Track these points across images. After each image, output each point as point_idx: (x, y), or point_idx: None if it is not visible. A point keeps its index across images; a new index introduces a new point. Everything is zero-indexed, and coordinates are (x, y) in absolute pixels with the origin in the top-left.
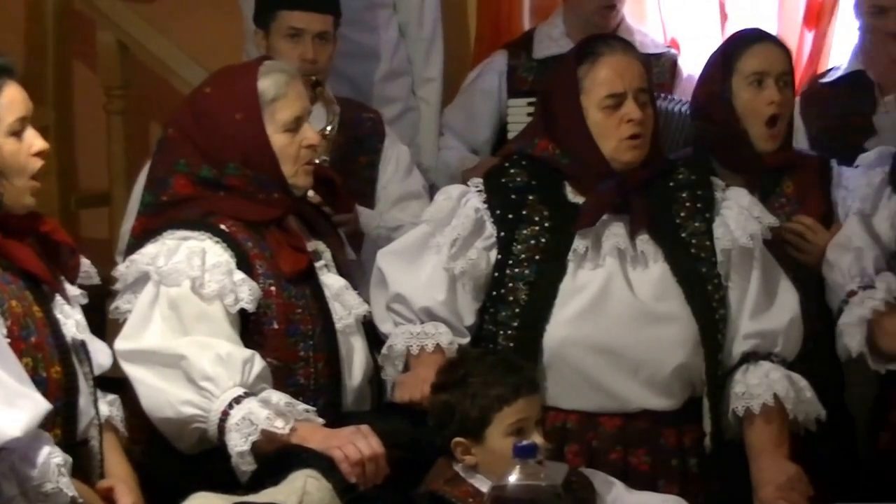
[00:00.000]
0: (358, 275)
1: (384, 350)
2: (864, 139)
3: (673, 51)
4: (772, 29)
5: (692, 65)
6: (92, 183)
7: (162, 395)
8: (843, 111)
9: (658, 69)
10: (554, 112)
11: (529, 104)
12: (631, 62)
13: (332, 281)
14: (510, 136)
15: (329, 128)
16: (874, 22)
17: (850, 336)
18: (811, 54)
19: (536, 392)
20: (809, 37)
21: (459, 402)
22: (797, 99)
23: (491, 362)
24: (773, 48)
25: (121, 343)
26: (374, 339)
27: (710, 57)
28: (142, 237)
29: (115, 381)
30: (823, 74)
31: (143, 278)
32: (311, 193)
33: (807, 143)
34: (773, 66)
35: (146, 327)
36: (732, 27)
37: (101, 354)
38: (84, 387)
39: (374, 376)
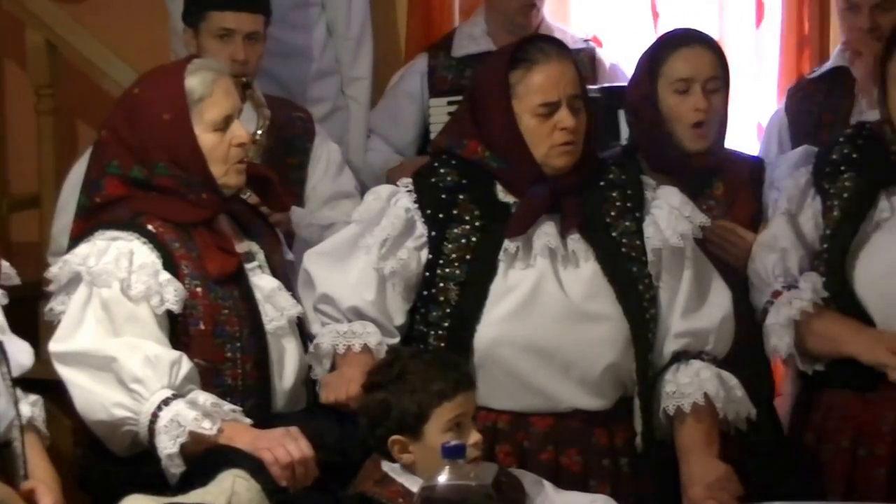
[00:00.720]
0: (294, 280)
1: (311, 348)
2: (832, 136)
3: (592, 44)
4: (714, 27)
5: (613, 55)
6: (22, 185)
7: (94, 397)
8: (819, 108)
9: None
10: (484, 115)
11: (450, 103)
12: (565, 69)
13: (264, 282)
14: (433, 136)
15: (259, 132)
16: (847, 18)
17: (779, 337)
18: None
19: (473, 388)
20: (758, 34)
21: (397, 399)
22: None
23: (428, 359)
24: (700, 52)
25: (54, 345)
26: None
27: (640, 57)
28: (77, 239)
29: (50, 383)
30: (812, 71)
31: (75, 279)
32: (248, 194)
33: (789, 140)
34: (699, 72)
35: (78, 329)
36: (664, 25)
37: (22, 355)
38: (2, 388)
39: (309, 378)
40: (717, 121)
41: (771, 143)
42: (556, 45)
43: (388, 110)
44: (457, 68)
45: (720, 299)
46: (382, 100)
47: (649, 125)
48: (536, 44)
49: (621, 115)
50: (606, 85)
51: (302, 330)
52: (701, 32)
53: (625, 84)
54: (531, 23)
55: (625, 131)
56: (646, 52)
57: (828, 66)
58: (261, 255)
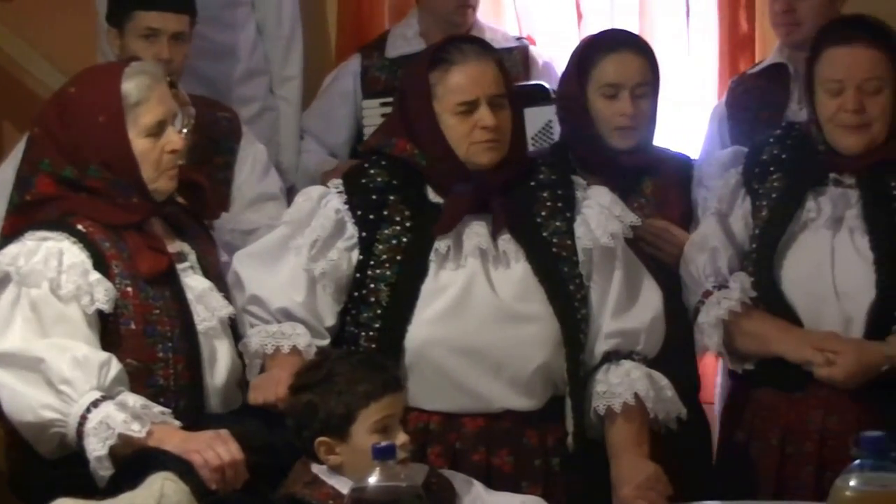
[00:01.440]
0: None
1: (238, 348)
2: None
3: (525, 42)
4: (633, 26)
5: (547, 53)
6: None
7: (23, 398)
8: (756, 105)
9: (510, 63)
10: (410, 114)
11: (383, 104)
12: (485, 68)
13: (195, 283)
14: (367, 137)
15: (184, 130)
16: (770, 7)
17: (708, 336)
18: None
19: (401, 390)
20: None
21: (324, 400)
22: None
23: (355, 360)
24: (630, 58)
25: None
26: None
27: (570, 57)
28: (7, 238)
29: None
30: (755, 66)
31: (4, 280)
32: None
33: (728, 137)
34: (627, 77)
35: (7, 329)
36: (589, 25)
37: None
38: None
39: (243, 379)
40: (646, 124)
41: (713, 137)
42: (476, 45)
43: (322, 111)
44: (390, 69)
45: (651, 299)
46: (316, 100)
47: (578, 125)
48: (456, 44)
49: (527, 112)
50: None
51: (235, 331)
52: (632, 35)
53: (534, 83)
54: (466, 22)
55: (530, 130)
56: (575, 53)
57: (767, 62)
58: (193, 256)
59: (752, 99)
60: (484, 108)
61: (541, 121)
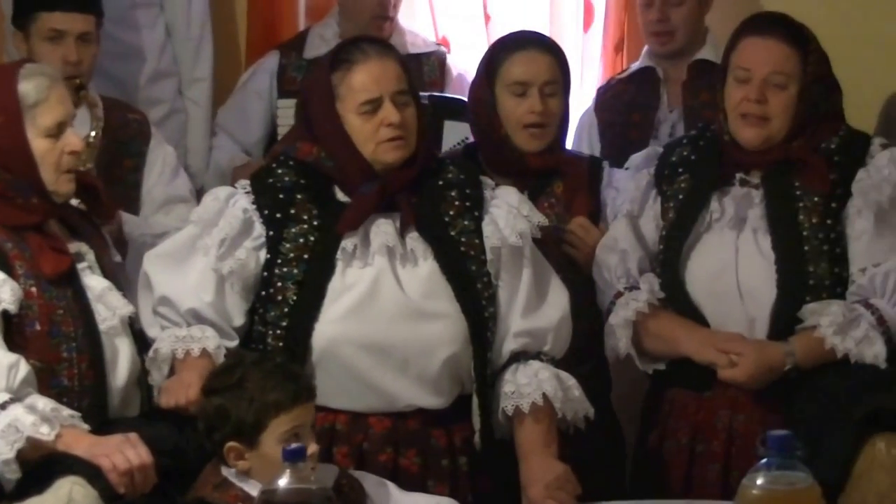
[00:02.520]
0: (123, 281)
1: (150, 353)
2: (642, 136)
3: (442, 49)
4: (543, 29)
5: (462, 63)
6: None
7: None
8: (627, 108)
9: (428, 67)
10: (313, 117)
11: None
12: (387, 66)
13: (95, 283)
14: (280, 136)
15: (93, 133)
16: (642, 16)
17: (617, 337)
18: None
19: (313, 399)
20: (585, 38)
21: (235, 406)
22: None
23: (269, 368)
24: (537, 56)
25: None
26: (144, 342)
27: (481, 59)
28: None
29: None
30: (623, 70)
31: None
32: (75, 201)
33: (599, 142)
34: (536, 75)
35: None
36: (496, 27)
37: None
38: None
39: (143, 378)
40: (555, 123)
41: (581, 143)
42: (377, 45)
43: (237, 108)
44: (307, 69)
45: (559, 299)
46: (231, 97)
47: (487, 127)
48: (357, 44)
49: (447, 125)
50: (436, 94)
51: (134, 330)
52: (541, 35)
53: (454, 96)
54: (383, 35)
55: (446, 142)
56: (485, 55)
57: (636, 66)
58: (91, 256)
59: (621, 103)
60: (388, 105)
61: (458, 136)
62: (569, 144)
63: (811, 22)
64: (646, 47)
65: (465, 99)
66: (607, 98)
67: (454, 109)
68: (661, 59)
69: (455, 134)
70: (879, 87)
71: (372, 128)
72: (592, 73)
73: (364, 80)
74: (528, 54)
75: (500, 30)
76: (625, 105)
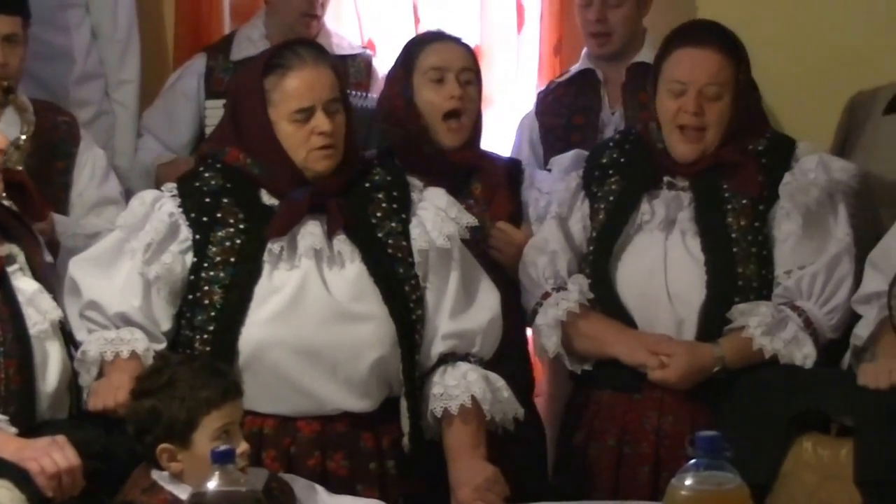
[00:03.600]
0: (55, 282)
1: (78, 356)
2: (585, 139)
3: (368, 52)
4: (475, 33)
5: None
6: None
7: None
8: (569, 110)
9: (354, 69)
10: (242, 122)
11: (225, 106)
12: (321, 73)
13: (25, 285)
14: None
15: (24, 137)
16: (580, 17)
17: (546, 337)
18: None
19: (241, 396)
20: (520, 39)
21: (167, 406)
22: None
23: (197, 367)
24: (452, 46)
25: None
26: (76, 344)
27: (396, 59)
28: None
29: None
30: (562, 73)
31: None
32: (6, 202)
33: (541, 145)
34: (452, 62)
35: None
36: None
37: None
38: None
39: (73, 382)
40: (473, 113)
41: (522, 146)
42: (312, 50)
43: (164, 110)
44: (234, 71)
45: (488, 300)
46: (158, 99)
47: (406, 124)
48: (292, 48)
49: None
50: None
51: (65, 333)
52: (450, 34)
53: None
54: (310, 33)
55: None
56: (400, 53)
57: (576, 68)
58: (21, 258)
59: (563, 106)
60: (320, 114)
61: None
62: (507, 148)
63: (752, 26)
64: (585, 49)
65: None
66: (548, 101)
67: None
68: (600, 60)
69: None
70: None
71: (303, 135)
72: (528, 76)
73: (298, 87)
74: (443, 44)
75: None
76: (566, 108)
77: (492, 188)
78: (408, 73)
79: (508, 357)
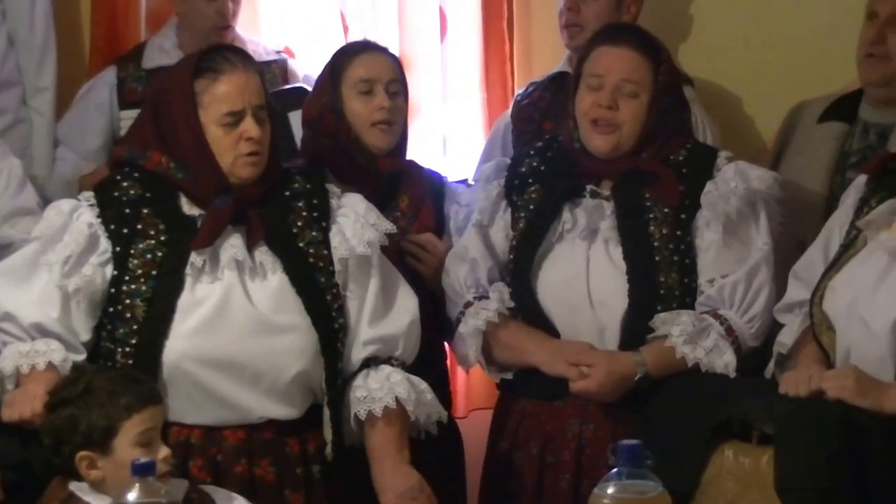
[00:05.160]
0: None
1: None
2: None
3: (284, 56)
4: (394, 40)
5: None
6: None
7: None
8: (541, 115)
9: (270, 76)
10: (169, 125)
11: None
12: (250, 78)
13: None
14: None
15: None
16: (559, 10)
17: (467, 346)
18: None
19: (161, 402)
20: (442, 49)
21: (85, 414)
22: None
23: (114, 375)
24: (380, 57)
25: None
26: None
27: (321, 71)
28: None
29: None
30: (542, 77)
31: None
32: None
33: (513, 149)
34: (380, 73)
35: None
36: (354, 37)
37: None
38: None
39: None
40: (401, 124)
41: (494, 149)
42: (239, 55)
43: (76, 121)
44: (147, 80)
45: (407, 305)
46: (70, 110)
47: (333, 135)
48: (221, 53)
49: (292, 116)
50: (274, 90)
51: None
52: (378, 43)
53: (295, 86)
54: (224, 42)
55: (297, 131)
56: (327, 64)
57: (552, 71)
58: None
59: (536, 110)
60: (249, 119)
61: None
62: (444, 158)
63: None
64: (566, 52)
65: (303, 86)
66: (523, 105)
67: (295, 99)
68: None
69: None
70: (777, 89)
71: (232, 140)
72: (451, 85)
73: (229, 91)
74: (371, 55)
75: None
76: (539, 113)
77: (418, 200)
78: (335, 85)
79: (429, 367)
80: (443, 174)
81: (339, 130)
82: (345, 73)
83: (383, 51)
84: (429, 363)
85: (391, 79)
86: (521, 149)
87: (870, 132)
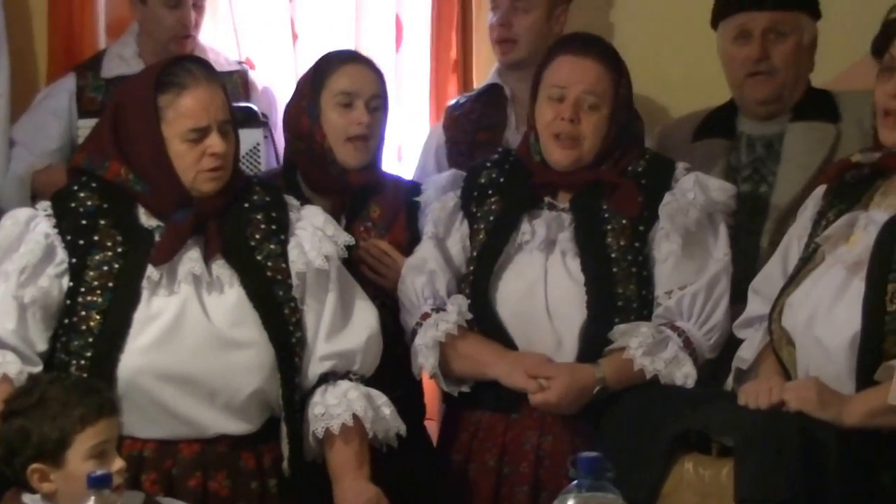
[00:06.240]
0: None
1: None
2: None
3: (245, 67)
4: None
5: (268, 82)
6: None
7: None
8: (474, 127)
9: (231, 86)
10: (129, 137)
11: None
12: (215, 93)
13: None
14: None
15: None
16: (489, 25)
17: (424, 358)
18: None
19: (116, 413)
20: (397, 57)
21: (37, 425)
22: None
23: (68, 384)
24: (364, 70)
25: None
26: None
27: (304, 74)
28: None
29: None
30: (473, 90)
31: None
32: None
33: (446, 161)
34: (363, 88)
35: None
36: (304, 47)
37: None
38: None
39: None
40: (377, 139)
41: (427, 161)
42: (203, 67)
43: (33, 124)
44: (106, 89)
45: (366, 319)
46: (27, 114)
47: (308, 142)
48: (184, 66)
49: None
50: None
51: None
52: (366, 56)
53: (244, 105)
54: (185, 51)
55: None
56: (310, 69)
57: (484, 84)
58: None
59: (469, 122)
60: (214, 134)
61: (250, 142)
62: (398, 166)
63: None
64: (495, 65)
65: (252, 106)
66: (455, 116)
67: (244, 118)
68: (509, 76)
69: (247, 141)
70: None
71: (195, 155)
72: (407, 93)
73: (193, 106)
74: (355, 67)
75: (308, 49)
76: (472, 124)
77: (391, 213)
78: (315, 92)
79: (396, 381)
80: (419, 184)
81: (314, 138)
82: (327, 81)
83: (369, 64)
84: (402, 370)
85: (373, 94)
86: (457, 159)
87: (756, 145)
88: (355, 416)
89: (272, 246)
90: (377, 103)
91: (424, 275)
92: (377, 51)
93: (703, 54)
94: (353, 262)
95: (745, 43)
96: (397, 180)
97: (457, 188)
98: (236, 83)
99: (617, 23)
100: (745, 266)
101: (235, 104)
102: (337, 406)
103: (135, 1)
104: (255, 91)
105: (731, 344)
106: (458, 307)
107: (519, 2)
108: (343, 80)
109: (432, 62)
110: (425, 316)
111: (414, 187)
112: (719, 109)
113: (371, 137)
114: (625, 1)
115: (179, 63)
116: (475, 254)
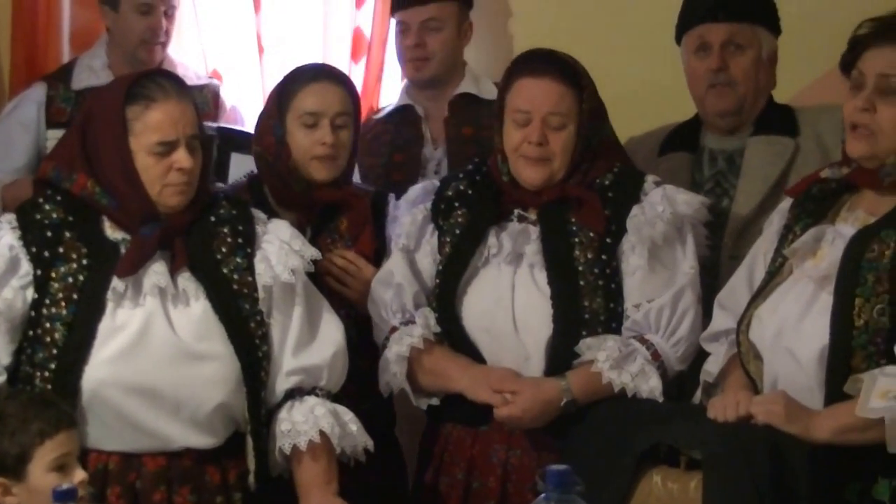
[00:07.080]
0: None
1: None
2: (407, 177)
3: (215, 81)
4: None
5: (234, 95)
6: None
7: None
8: (389, 148)
9: (201, 100)
10: (96, 150)
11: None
12: (184, 108)
13: None
14: None
15: None
16: (399, 43)
17: (391, 372)
18: (363, 89)
19: (75, 426)
20: (356, 70)
21: None
22: None
23: (25, 399)
24: (331, 88)
25: None
26: None
27: (273, 89)
28: None
29: None
30: (380, 110)
31: None
32: None
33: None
34: (328, 107)
35: None
36: (270, 59)
37: None
38: None
39: None
40: (345, 155)
41: None
42: (174, 82)
43: (1, 138)
44: (76, 100)
45: (332, 334)
46: None
47: (274, 158)
48: (155, 79)
49: (234, 157)
50: (226, 126)
51: None
52: (333, 68)
53: (242, 129)
54: (153, 59)
55: (233, 174)
56: (277, 85)
57: (394, 104)
58: None
59: (382, 144)
60: (182, 149)
61: (245, 168)
62: None
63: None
64: (404, 83)
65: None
66: (367, 140)
67: (242, 142)
68: (420, 95)
69: (242, 167)
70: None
71: (162, 170)
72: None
73: (162, 120)
74: (320, 86)
75: (274, 62)
76: (385, 146)
77: (358, 224)
78: (281, 111)
79: (366, 393)
80: (387, 194)
81: (279, 156)
82: (292, 101)
83: (337, 79)
84: (369, 382)
85: (338, 112)
86: (374, 181)
87: (718, 159)
88: (322, 433)
89: (238, 259)
90: (344, 120)
91: (392, 288)
92: (339, 63)
93: (665, 68)
94: (318, 275)
95: (706, 55)
96: (366, 190)
97: (427, 200)
98: (206, 97)
99: (574, 33)
100: (706, 280)
101: (235, 128)
102: (304, 423)
103: (105, 8)
104: (224, 108)
105: (700, 357)
106: (424, 320)
107: (430, 21)
108: (308, 101)
109: (366, 75)
110: (393, 330)
111: (380, 197)
112: (685, 124)
113: (338, 156)
114: (583, 13)
115: (151, 76)
116: (442, 267)
